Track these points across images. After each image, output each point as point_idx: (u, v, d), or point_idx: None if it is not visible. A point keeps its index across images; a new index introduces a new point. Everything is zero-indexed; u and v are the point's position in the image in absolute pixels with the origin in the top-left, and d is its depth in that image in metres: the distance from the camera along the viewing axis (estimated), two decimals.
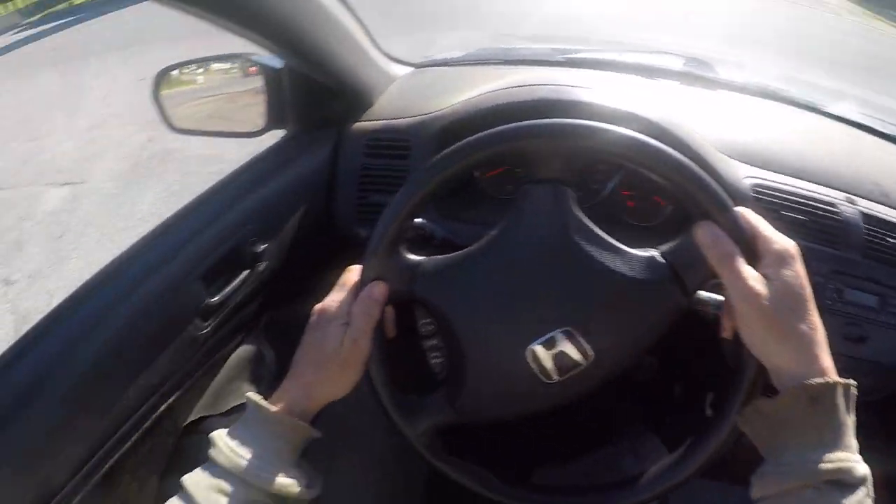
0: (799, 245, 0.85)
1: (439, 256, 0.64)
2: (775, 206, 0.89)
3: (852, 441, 0.51)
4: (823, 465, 0.49)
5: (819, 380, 0.50)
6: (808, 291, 0.54)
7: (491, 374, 0.62)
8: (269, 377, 1.12)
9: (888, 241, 0.91)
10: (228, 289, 0.96)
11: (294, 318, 1.18)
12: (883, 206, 0.96)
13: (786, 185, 0.91)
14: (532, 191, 0.61)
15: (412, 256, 0.65)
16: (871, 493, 0.50)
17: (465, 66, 1.13)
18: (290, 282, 1.09)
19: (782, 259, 0.54)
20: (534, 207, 0.61)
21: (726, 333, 0.58)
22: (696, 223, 0.56)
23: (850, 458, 0.50)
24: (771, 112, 1.12)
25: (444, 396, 0.65)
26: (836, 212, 0.90)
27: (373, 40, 1.07)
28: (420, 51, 1.17)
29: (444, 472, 0.66)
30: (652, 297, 0.59)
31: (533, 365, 0.59)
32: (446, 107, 0.99)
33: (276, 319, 1.12)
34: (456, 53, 1.17)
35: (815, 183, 0.94)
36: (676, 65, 1.15)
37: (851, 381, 0.52)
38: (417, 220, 0.78)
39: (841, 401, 0.51)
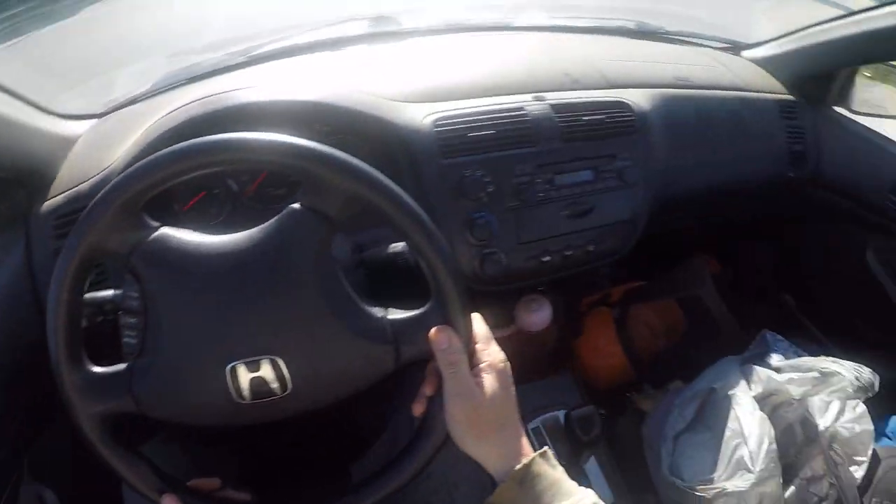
0: (496, 156, 0.90)
1: (175, 232, 0.59)
2: (462, 131, 0.93)
3: (570, 485, 0.61)
4: None
5: (518, 465, 0.60)
6: (510, 395, 0.63)
7: (184, 374, 0.59)
8: None
9: (582, 121, 0.99)
10: None
11: (61, 445, 1.04)
12: (575, 92, 1.05)
13: (468, 108, 0.96)
14: (300, 214, 0.58)
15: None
16: None
17: (152, 97, 1.05)
18: (32, 411, 0.95)
19: (492, 369, 0.62)
20: (292, 231, 0.58)
21: (418, 408, 0.65)
22: (436, 328, 0.60)
23: (575, 502, 0.60)
24: (458, 44, 1.18)
25: (126, 376, 0.60)
26: (525, 113, 0.97)
27: (36, 106, 0.95)
28: (104, 97, 1.06)
29: (111, 465, 0.62)
30: (366, 356, 0.61)
31: (230, 380, 0.58)
32: (125, 152, 0.89)
33: (42, 453, 0.98)
34: (142, 87, 1.09)
35: (503, 95, 1.01)
36: (361, 28, 1.16)
37: (545, 448, 0.62)
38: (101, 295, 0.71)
39: (544, 468, 0.61)
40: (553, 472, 0.61)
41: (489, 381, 0.61)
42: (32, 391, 0.89)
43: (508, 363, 0.64)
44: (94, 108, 1.06)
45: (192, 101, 0.90)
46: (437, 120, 0.93)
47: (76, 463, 0.98)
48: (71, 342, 0.59)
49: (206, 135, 0.58)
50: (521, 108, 0.97)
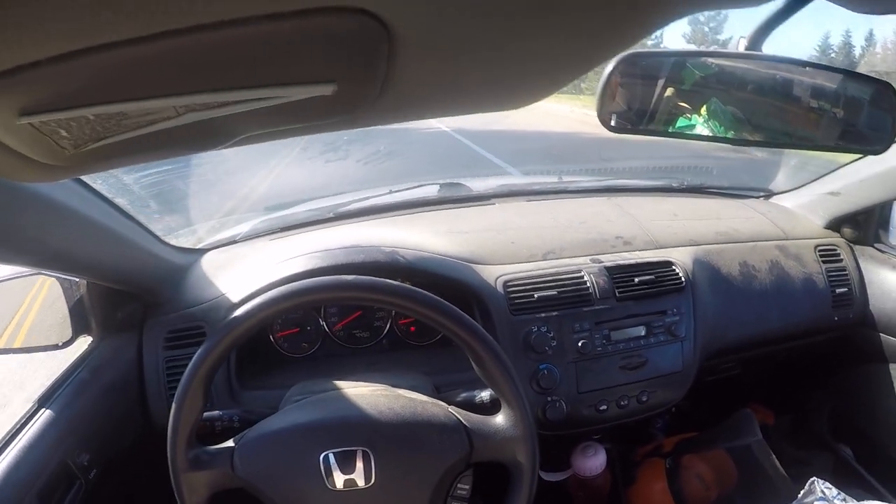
0: (559, 314, 1.08)
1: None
2: (528, 292, 1.05)
3: None
4: None
5: None
6: None
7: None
8: None
9: (634, 282, 1.10)
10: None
11: None
12: (627, 253, 1.18)
13: (533, 270, 1.09)
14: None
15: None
16: None
17: (250, 240, 1.21)
18: (120, 485, 1.01)
19: None
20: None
21: None
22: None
23: None
24: (520, 209, 1.34)
25: (230, 452, 0.73)
26: (581, 276, 1.09)
27: (157, 238, 1.09)
28: (210, 236, 1.23)
29: None
30: (442, 450, 0.74)
31: (322, 469, 0.71)
32: (235, 285, 1.05)
33: None
34: (241, 230, 1.24)
35: (564, 258, 1.14)
36: (433, 192, 1.36)
37: None
38: (212, 413, 0.83)
39: None
40: None
41: None
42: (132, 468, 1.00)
43: None
44: (200, 244, 1.21)
45: (300, 255, 1.05)
46: (507, 281, 1.06)
47: None
48: (188, 440, 0.73)
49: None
50: (579, 271, 1.08)
